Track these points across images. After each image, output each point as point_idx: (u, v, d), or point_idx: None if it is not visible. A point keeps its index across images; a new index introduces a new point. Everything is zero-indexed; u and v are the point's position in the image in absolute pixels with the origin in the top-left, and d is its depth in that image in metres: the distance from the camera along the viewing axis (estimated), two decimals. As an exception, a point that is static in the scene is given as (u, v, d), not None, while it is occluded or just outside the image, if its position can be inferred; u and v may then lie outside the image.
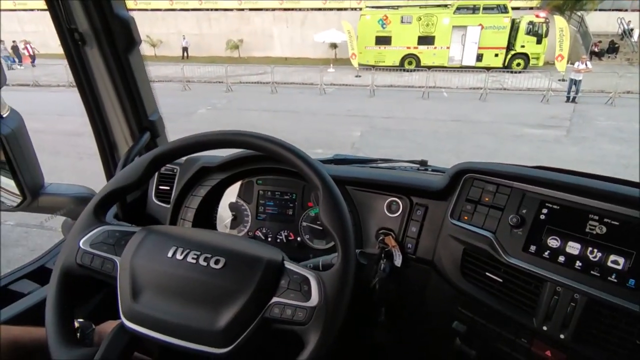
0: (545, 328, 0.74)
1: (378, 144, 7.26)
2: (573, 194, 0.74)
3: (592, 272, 0.70)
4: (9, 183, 0.86)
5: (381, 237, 0.96)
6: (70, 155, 6.16)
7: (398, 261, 0.91)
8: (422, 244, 0.94)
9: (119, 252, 0.62)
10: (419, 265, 0.95)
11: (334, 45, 19.84)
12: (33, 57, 18.76)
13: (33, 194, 0.88)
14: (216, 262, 0.58)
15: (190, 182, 1.07)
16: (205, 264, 0.58)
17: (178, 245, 0.61)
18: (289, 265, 0.61)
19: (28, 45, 18.99)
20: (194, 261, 0.59)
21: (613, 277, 0.68)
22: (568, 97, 11.23)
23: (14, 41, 18.86)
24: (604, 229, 0.70)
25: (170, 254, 0.60)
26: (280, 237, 1.10)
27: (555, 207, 0.76)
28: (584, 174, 0.85)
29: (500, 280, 0.81)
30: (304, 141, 7.29)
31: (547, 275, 0.74)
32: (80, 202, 0.98)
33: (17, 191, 0.86)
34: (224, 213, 1.13)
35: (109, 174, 1.15)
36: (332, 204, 0.63)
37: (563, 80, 13.08)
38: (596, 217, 0.71)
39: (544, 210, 0.77)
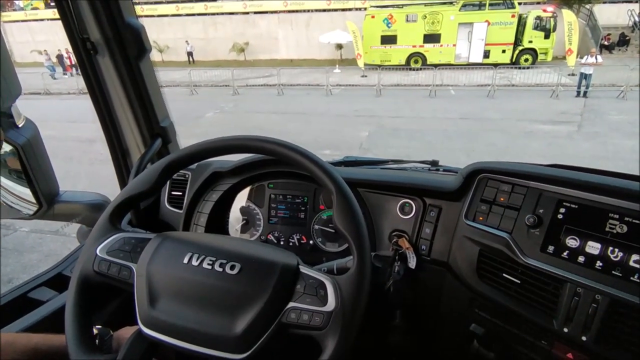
0: (566, 330, 0.72)
1: (386, 143, 7.23)
2: (592, 192, 0.72)
3: (613, 272, 0.68)
4: (25, 191, 0.87)
5: (395, 239, 0.95)
6: (82, 162, 6.24)
7: (412, 263, 0.90)
8: (436, 245, 0.93)
9: (135, 259, 0.62)
10: (433, 267, 0.94)
11: (339, 46, 19.85)
12: (74, 66, 19.08)
13: (49, 202, 0.89)
14: (232, 268, 0.58)
15: (202, 187, 1.08)
16: (220, 269, 0.58)
17: (193, 251, 0.61)
18: (304, 269, 0.61)
19: (70, 54, 19.30)
20: (210, 267, 0.59)
21: (636, 277, 0.66)
22: (578, 92, 11.05)
23: (59, 50, 19.21)
24: (625, 228, 0.68)
25: (186, 260, 0.60)
26: (293, 241, 1.10)
27: (573, 206, 0.74)
28: (601, 171, 0.83)
29: (518, 282, 0.79)
30: (312, 142, 7.29)
31: (566, 275, 0.72)
32: (95, 209, 0.99)
33: (33, 199, 0.88)
34: (236, 217, 1.13)
35: (122, 180, 1.16)
36: (347, 207, 0.62)
37: (573, 74, 12.89)
38: (616, 216, 0.70)
39: (562, 210, 0.75)
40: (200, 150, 0.70)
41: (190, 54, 22.26)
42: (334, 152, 6.65)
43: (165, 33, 22.77)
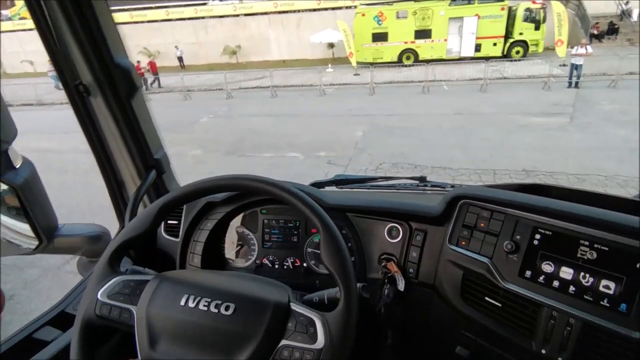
0: (543, 351, 0.76)
1: (381, 142, 7.26)
2: (563, 220, 0.75)
3: (585, 296, 0.72)
4: (25, 227, 0.89)
5: (384, 263, 0.98)
6: (77, 172, 6.24)
7: (401, 286, 0.93)
8: (423, 268, 0.96)
9: (135, 302, 0.65)
10: (421, 289, 0.97)
11: (331, 45, 19.84)
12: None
13: (48, 236, 0.90)
14: (226, 309, 0.61)
15: (197, 217, 1.11)
16: (216, 310, 0.61)
17: (190, 292, 0.64)
18: (295, 307, 0.63)
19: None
20: (206, 308, 0.62)
21: (605, 301, 0.70)
22: (570, 83, 11.13)
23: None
24: (595, 254, 0.72)
25: (183, 302, 0.63)
26: (287, 264, 1.13)
27: (547, 232, 0.77)
28: (579, 191, 0.86)
29: (499, 305, 0.82)
30: (308, 144, 7.32)
31: (542, 300, 0.75)
32: (94, 241, 1.01)
33: (33, 235, 0.89)
34: (231, 243, 1.16)
35: (119, 212, 1.18)
36: (333, 246, 0.65)
37: (564, 65, 12.97)
38: (586, 243, 0.73)
39: (537, 236, 0.78)
40: (193, 191, 0.73)
41: (180, 58, 22.17)
42: (330, 153, 6.68)
43: (155, 38, 22.67)
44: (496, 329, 0.83)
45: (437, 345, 1.04)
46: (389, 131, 8.03)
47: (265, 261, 1.13)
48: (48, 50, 0.91)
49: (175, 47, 21.99)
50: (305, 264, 1.11)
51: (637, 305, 0.66)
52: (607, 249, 0.70)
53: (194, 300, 0.63)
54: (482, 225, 0.86)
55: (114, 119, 1.03)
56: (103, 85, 0.98)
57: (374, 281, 0.98)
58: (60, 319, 0.96)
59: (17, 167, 0.82)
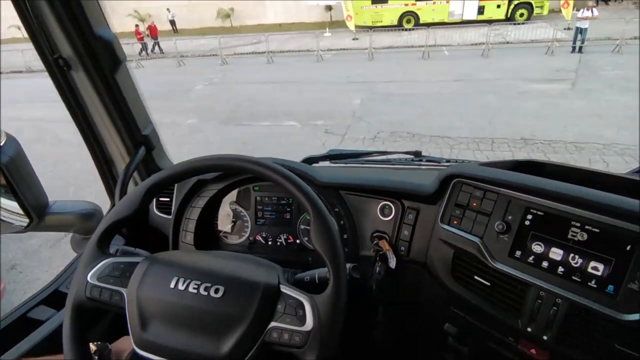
0: (529, 329, 0.77)
1: (380, 110, 7.16)
2: (556, 201, 0.74)
3: (573, 277, 0.72)
4: (15, 206, 0.87)
5: (376, 241, 0.98)
6: (71, 144, 6.17)
7: (392, 263, 0.94)
8: (414, 246, 0.97)
9: (125, 284, 0.65)
10: (412, 267, 0.98)
11: (328, 8, 19.13)
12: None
13: (39, 214, 0.89)
14: (216, 291, 0.61)
15: (188, 194, 1.09)
16: (205, 293, 0.61)
17: (179, 275, 0.64)
18: (284, 289, 0.63)
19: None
20: (195, 291, 0.62)
21: (593, 282, 0.70)
22: (574, 47, 10.84)
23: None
24: (585, 236, 0.71)
25: (172, 285, 0.63)
26: (280, 241, 1.13)
27: (539, 213, 0.77)
28: (573, 169, 0.85)
29: (488, 284, 0.83)
30: (305, 113, 7.21)
31: (531, 280, 0.76)
32: (86, 218, 1.00)
33: (23, 213, 0.88)
34: (224, 220, 1.15)
35: (109, 190, 1.16)
36: (323, 228, 0.64)
37: (569, 29, 12.58)
38: (578, 224, 0.72)
39: (529, 216, 0.78)
40: (181, 171, 0.71)
41: (172, 22, 21.40)
42: (327, 122, 6.60)
43: (146, 1, 21.74)
44: (484, 307, 0.84)
45: (427, 321, 1.06)
46: (388, 99, 7.90)
47: (259, 238, 1.13)
48: (24, 23, 0.86)
49: (167, 9, 21.15)
50: (298, 241, 1.11)
51: (625, 288, 0.66)
52: (598, 230, 0.70)
53: (184, 282, 0.63)
54: (474, 204, 0.86)
55: (98, 94, 0.99)
56: (84, 58, 0.93)
57: (366, 258, 0.99)
58: (54, 298, 0.97)
59: (1, 145, 0.79)
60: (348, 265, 0.75)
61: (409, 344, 1.15)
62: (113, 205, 1.09)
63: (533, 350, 0.79)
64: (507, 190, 0.80)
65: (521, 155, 4.84)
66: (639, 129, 5.01)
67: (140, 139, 1.12)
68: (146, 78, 12.46)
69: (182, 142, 6.28)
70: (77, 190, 4.48)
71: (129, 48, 14.54)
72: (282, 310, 0.61)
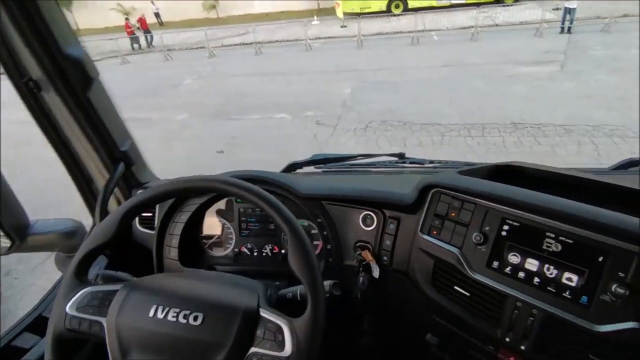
0: (507, 339, 0.78)
1: (370, 99, 7.12)
2: (530, 212, 0.74)
3: (548, 288, 0.72)
4: (-4, 228, 0.86)
5: (359, 251, 0.98)
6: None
7: (376, 273, 0.94)
8: (396, 256, 0.97)
9: (104, 313, 0.65)
10: (396, 276, 0.98)
11: (316, -5, 18.86)
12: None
13: (20, 236, 0.88)
14: (195, 319, 0.61)
15: (170, 209, 1.08)
16: (184, 321, 0.61)
17: (158, 302, 0.63)
18: (264, 313, 0.63)
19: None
20: (174, 319, 0.61)
21: (567, 293, 0.70)
22: (562, 28, 10.80)
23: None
24: (560, 247, 0.71)
25: (151, 313, 0.62)
26: (265, 251, 1.13)
27: (515, 224, 0.77)
28: (553, 173, 0.85)
29: (467, 294, 0.84)
30: (294, 104, 7.16)
31: (508, 291, 0.76)
32: (68, 237, 0.99)
33: (4, 235, 0.87)
34: (208, 233, 1.14)
35: (90, 206, 1.15)
36: (301, 251, 0.64)
37: (557, 9, 12.51)
38: (552, 235, 0.72)
39: (505, 227, 0.78)
40: (157, 195, 0.71)
41: (157, 14, 20.97)
42: (318, 113, 6.56)
43: (129, -6, 21.27)
44: (464, 316, 0.85)
45: (410, 330, 1.07)
46: (378, 87, 7.85)
47: (244, 249, 1.13)
48: None
49: (152, 2, 20.70)
50: (283, 251, 1.11)
51: (597, 299, 0.66)
52: (571, 241, 0.70)
53: (163, 310, 0.62)
54: (452, 214, 0.85)
55: (72, 114, 0.97)
56: (54, 79, 0.91)
57: (350, 268, 0.99)
58: (38, 324, 0.97)
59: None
60: (328, 283, 0.75)
61: (393, 352, 1.16)
62: (95, 222, 1.08)
63: (512, 359, 0.80)
64: (484, 201, 0.80)
65: (511, 140, 4.86)
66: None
67: (119, 155, 1.10)
68: (133, 74, 12.27)
69: (174, 137, 6.23)
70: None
71: (113, 44, 14.24)
72: (261, 335, 0.61)
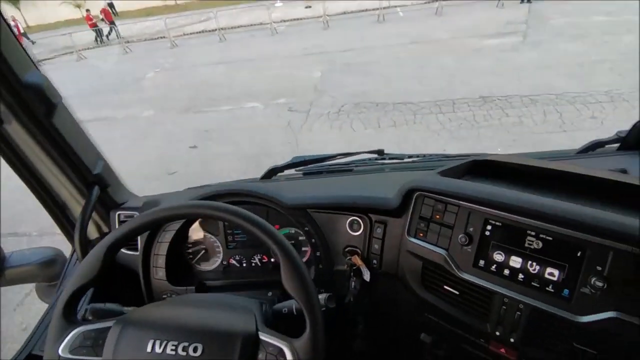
0: (497, 333, 0.82)
1: (341, 83, 7.08)
2: (509, 213, 0.77)
3: (532, 283, 0.76)
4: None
5: (348, 256, 1.00)
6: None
7: (367, 277, 0.96)
8: (385, 259, 0.98)
9: (100, 353, 0.63)
10: (386, 278, 1.00)
11: (276, -25, 18.31)
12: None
13: (-3, 270, 0.84)
14: (194, 350, 0.61)
15: (153, 230, 1.05)
16: (184, 353, 0.61)
17: (155, 337, 0.62)
18: (263, 336, 0.63)
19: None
20: (174, 352, 0.61)
21: (550, 287, 0.74)
22: (522, -2, 11.02)
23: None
24: (540, 244, 0.75)
25: (149, 349, 0.61)
26: (254, 261, 1.12)
27: (497, 224, 0.80)
28: (525, 165, 0.88)
29: (457, 293, 0.87)
30: (265, 92, 7.04)
31: (494, 288, 0.80)
32: (47, 266, 0.96)
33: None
34: (194, 249, 1.13)
35: (68, 235, 1.10)
36: (294, 272, 0.64)
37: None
38: (533, 233, 0.76)
39: (488, 227, 0.81)
40: (139, 226, 0.69)
41: (111, 5, 19.85)
42: (290, 99, 6.48)
43: (77, -16, 19.99)
44: (455, 314, 0.89)
45: (404, 329, 1.10)
46: (348, 69, 7.81)
47: (232, 261, 1.12)
48: None
49: (104, -9, 19.57)
50: (272, 260, 1.11)
51: (578, 292, 0.71)
52: (551, 238, 0.74)
53: (161, 345, 0.61)
54: (437, 217, 0.88)
55: (38, 143, 0.92)
56: (16, 110, 0.85)
57: (341, 273, 1.00)
58: None
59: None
60: (322, 297, 0.76)
61: (388, 353, 1.19)
62: (74, 249, 1.04)
63: (503, 350, 0.84)
64: (466, 203, 0.83)
65: (481, 113, 4.98)
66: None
67: (92, 179, 1.05)
68: (91, 70, 11.66)
69: (142, 136, 6.02)
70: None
71: (67, 39, 13.42)
72: (263, 359, 0.61)
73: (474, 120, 4.85)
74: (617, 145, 1.04)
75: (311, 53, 9.39)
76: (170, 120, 6.66)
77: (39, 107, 0.87)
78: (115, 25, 15.76)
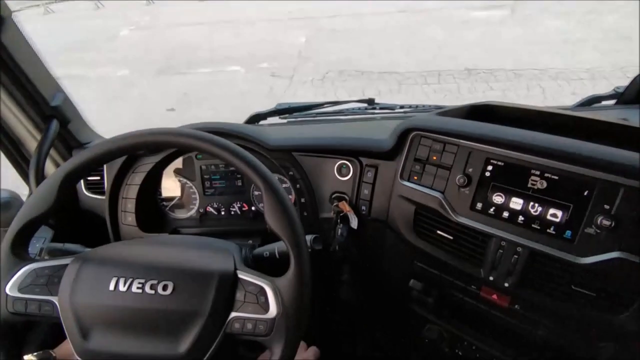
0: (491, 278, 0.80)
1: (326, 49, 6.86)
2: (515, 150, 0.74)
3: (533, 225, 0.74)
4: None
5: (335, 203, 0.95)
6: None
7: (354, 224, 0.92)
8: (375, 205, 0.94)
9: (55, 291, 0.57)
10: (375, 225, 0.96)
11: None
12: None
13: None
14: (164, 288, 0.55)
15: (121, 171, 0.96)
16: (152, 291, 0.55)
17: (119, 274, 0.56)
18: (242, 274, 0.58)
19: None
20: (140, 290, 0.55)
21: (552, 229, 0.72)
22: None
23: None
24: (545, 184, 0.72)
25: (112, 287, 0.55)
26: (234, 210, 1.06)
27: (499, 163, 0.76)
28: (525, 109, 0.84)
29: (451, 238, 0.84)
30: (247, 55, 6.76)
31: (492, 231, 0.77)
32: (4, 209, 0.87)
33: None
34: (167, 194, 1.05)
35: (23, 174, 1.00)
36: (279, 206, 0.59)
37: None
38: (537, 172, 0.72)
39: (489, 167, 0.77)
40: (101, 154, 0.61)
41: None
42: (272, 64, 6.26)
43: None
44: (447, 260, 0.86)
45: (392, 277, 1.08)
46: (333, 35, 7.57)
47: (210, 209, 1.06)
48: None
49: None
50: (253, 208, 1.06)
51: (582, 232, 0.68)
52: (557, 177, 0.71)
53: (125, 282, 0.55)
54: (434, 158, 0.83)
55: None
56: None
57: (327, 221, 0.96)
58: None
59: None
60: (308, 237, 0.71)
61: (376, 300, 1.18)
62: (31, 190, 0.95)
63: (494, 296, 0.83)
64: (467, 142, 0.79)
65: (465, 86, 4.96)
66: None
67: (50, 112, 0.94)
68: (60, 26, 10.88)
69: (116, 97, 5.71)
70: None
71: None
72: (242, 298, 0.56)
73: (458, 92, 4.84)
74: (614, 101, 1.02)
75: (296, 17, 9.04)
76: (146, 81, 6.34)
77: None
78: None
